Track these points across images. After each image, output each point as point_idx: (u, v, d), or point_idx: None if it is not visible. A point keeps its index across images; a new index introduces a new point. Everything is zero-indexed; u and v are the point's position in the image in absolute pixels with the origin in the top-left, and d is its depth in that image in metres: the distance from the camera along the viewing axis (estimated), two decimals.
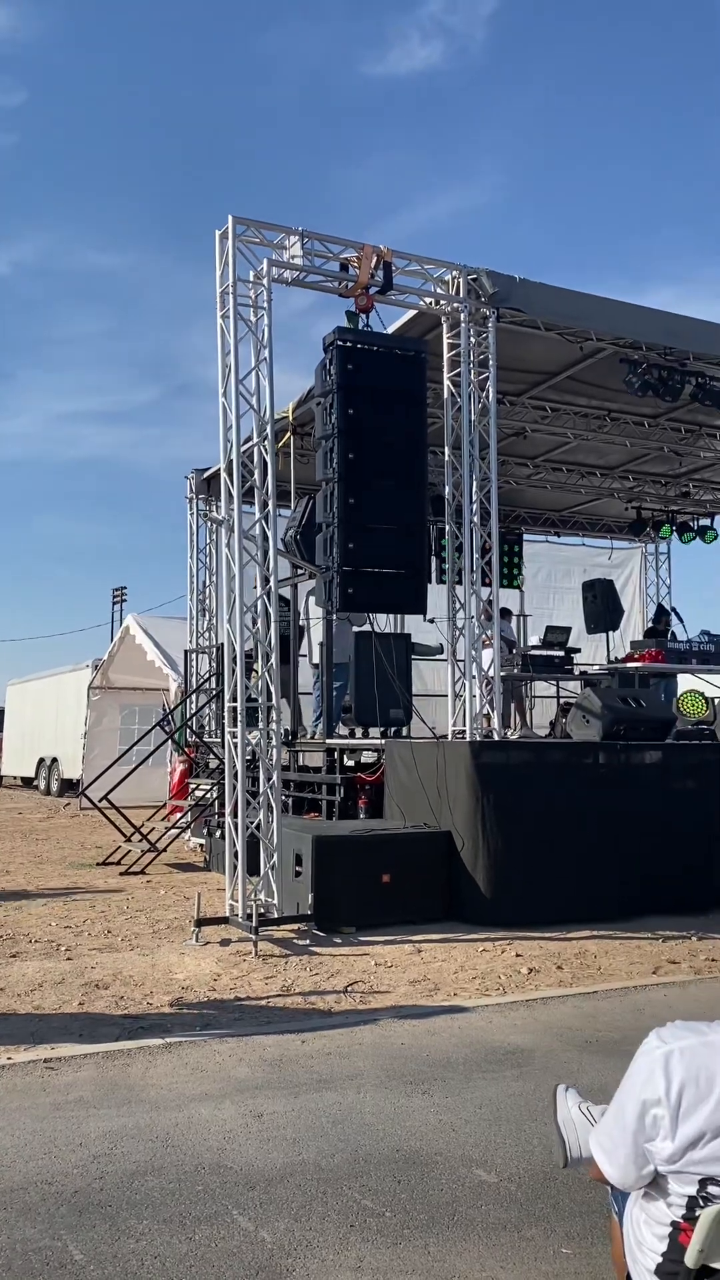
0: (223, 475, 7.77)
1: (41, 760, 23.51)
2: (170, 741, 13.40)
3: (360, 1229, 3.05)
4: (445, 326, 8.57)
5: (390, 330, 8.53)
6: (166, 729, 13.24)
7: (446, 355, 8.57)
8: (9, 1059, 4.55)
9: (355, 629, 10.43)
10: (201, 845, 11.85)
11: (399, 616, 13.26)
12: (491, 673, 8.47)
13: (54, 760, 22.76)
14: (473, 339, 8.38)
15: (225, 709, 7.85)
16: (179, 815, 12.05)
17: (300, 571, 11.32)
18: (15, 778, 26.24)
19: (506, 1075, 4.44)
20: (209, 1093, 4.18)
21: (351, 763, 10.18)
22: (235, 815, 7.37)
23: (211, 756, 12.19)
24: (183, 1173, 3.42)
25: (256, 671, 7.76)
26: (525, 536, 15.24)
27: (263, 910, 7.04)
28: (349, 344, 7.61)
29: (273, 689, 7.60)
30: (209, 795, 11.62)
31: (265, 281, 7.56)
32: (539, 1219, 3.13)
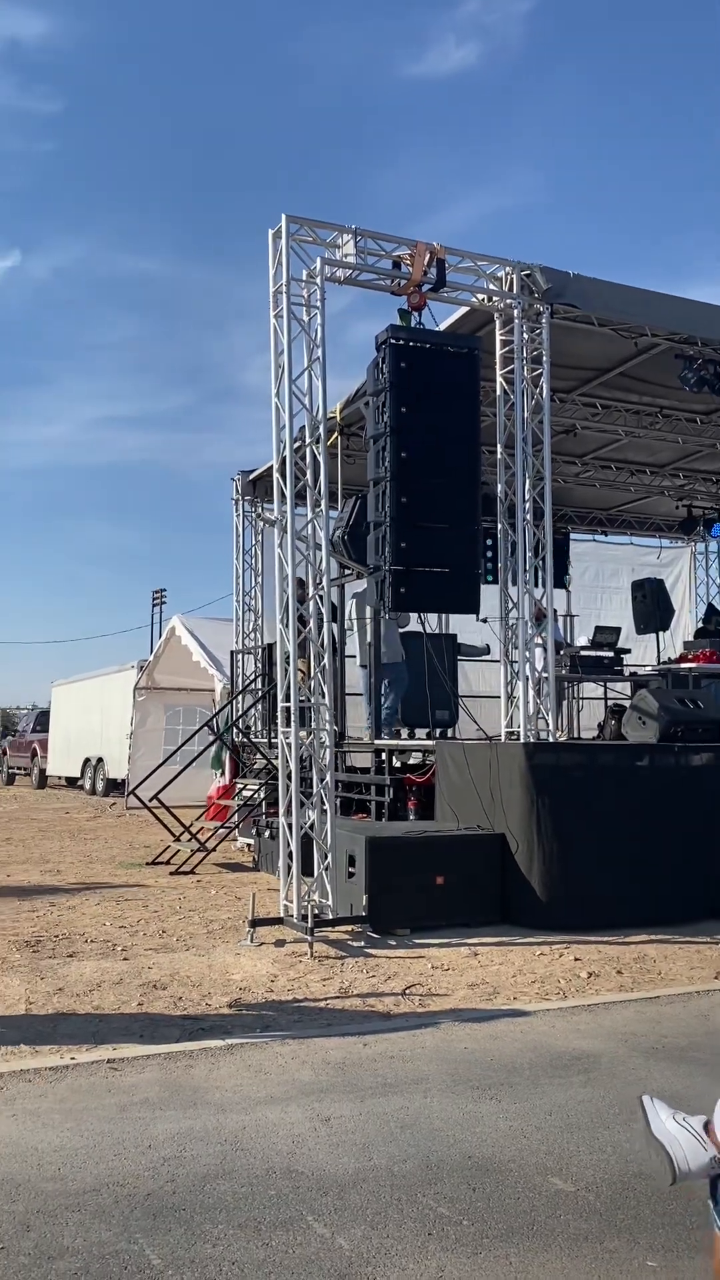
0: (275, 475, 7.75)
1: (87, 760, 23.68)
2: (219, 744, 13.41)
3: (439, 1237, 3.00)
4: (498, 323, 8.49)
5: (442, 327, 8.47)
6: (213, 730, 13.26)
7: (499, 352, 8.49)
8: (73, 1059, 4.55)
9: (401, 630, 10.37)
10: (250, 845, 11.86)
11: (444, 617, 13.21)
12: (545, 673, 8.38)
13: (99, 760, 22.92)
14: (526, 335, 8.30)
15: (278, 709, 7.82)
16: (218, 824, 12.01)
17: (348, 572, 11.29)
18: (60, 778, 26.46)
19: (574, 1081, 4.36)
20: (274, 1096, 4.15)
21: (399, 764, 10.14)
22: (289, 815, 7.35)
23: (258, 757, 12.19)
24: (254, 1177, 3.39)
25: (303, 672, 7.73)
26: (572, 535, 15.10)
27: (317, 911, 7.00)
28: (402, 342, 7.56)
29: (325, 689, 7.57)
30: (256, 795, 11.62)
31: (319, 280, 7.52)
32: (621, 1230, 3.05)
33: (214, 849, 11.10)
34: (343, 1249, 2.92)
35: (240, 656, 13.98)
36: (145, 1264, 2.82)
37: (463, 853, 7.60)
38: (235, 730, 12.95)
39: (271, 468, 8.08)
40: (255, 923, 7.01)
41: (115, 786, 21.61)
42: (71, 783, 25.61)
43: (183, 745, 13.89)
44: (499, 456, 8.47)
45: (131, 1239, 2.95)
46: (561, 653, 11.78)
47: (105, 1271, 2.77)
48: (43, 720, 27.93)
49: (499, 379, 8.52)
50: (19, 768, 29.51)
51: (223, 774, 13.63)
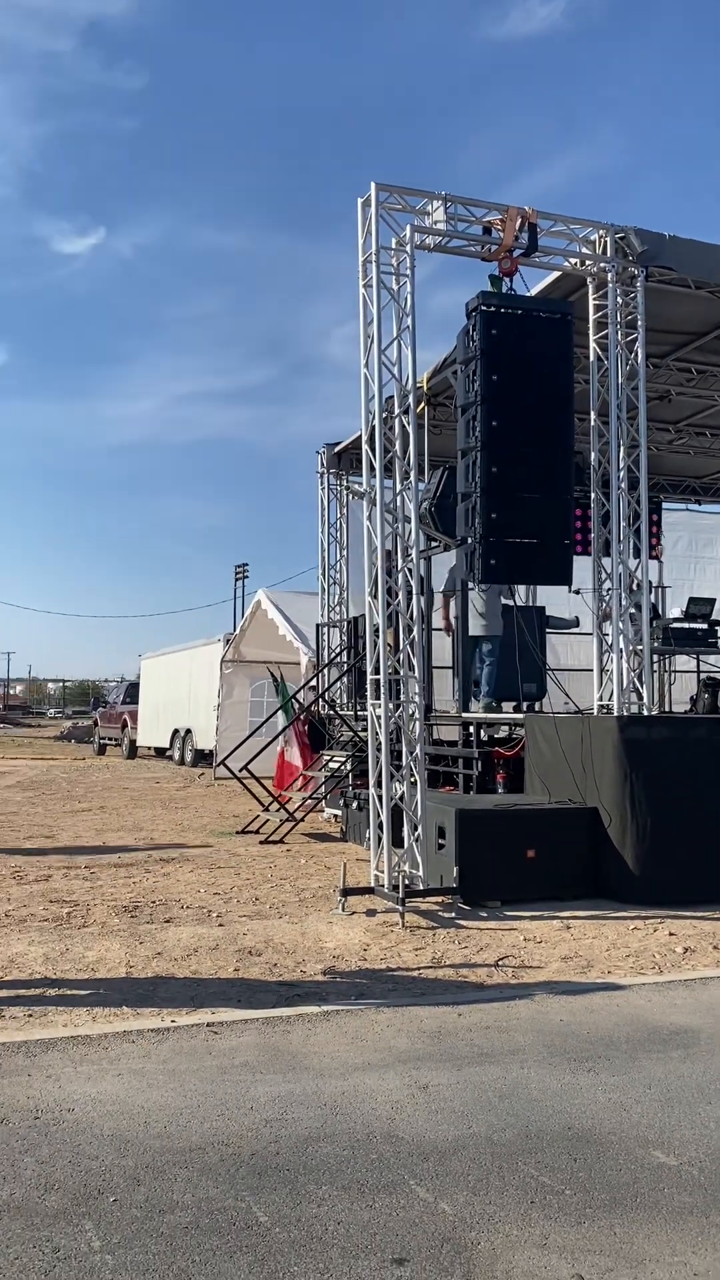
0: (364, 446, 7.73)
1: (176, 731, 24.11)
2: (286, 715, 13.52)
3: (541, 1206, 3.00)
4: (591, 287, 8.31)
5: (533, 293, 8.32)
6: (300, 702, 13.37)
7: (592, 317, 8.31)
8: (173, 1021, 4.66)
9: (505, 601, 10.27)
10: (337, 816, 11.95)
11: (532, 589, 13.06)
12: (638, 645, 8.23)
13: (187, 731, 23.32)
14: (620, 299, 8.11)
15: (366, 682, 7.84)
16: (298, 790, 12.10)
17: (435, 544, 11.23)
18: (150, 748, 26.99)
19: (673, 1056, 4.31)
20: (371, 1062, 4.19)
21: (487, 737, 10.09)
22: (379, 787, 7.37)
23: (344, 729, 12.25)
24: (354, 1140, 3.42)
25: (392, 644, 7.72)
26: (664, 505, 14.77)
27: (407, 882, 7.03)
28: (493, 308, 7.45)
29: (414, 662, 7.56)
30: (343, 767, 11.69)
31: (408, 248, 7.45)
32: None
33: (302, 819, 11.22)
34: (445, 1213, 2.94)
35: (325, 630, 14.04)
36: (253, 1221, 2.87)
37: (554, 826, 7.54)
38: (321, 703, 13.03)
39: (357, 440, 8.07)
40: (346, 892, 7.07)
41: (203, 757, 21.98)
42: (160, 753, 26.11)
43: (269, 717, 14.02)
44: (592, 424, 8.32)
45: (239, 1196, 3.02)
46: (654, 624, 11.56)
47: (215, 1226, 2.84)
48: (132, 692, 28.50)
49: (592, 344, 8.35)
50: (110, 738, 30.19)
51: (288, 742, 13.68)
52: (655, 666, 12.53)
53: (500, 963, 5.79)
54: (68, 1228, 2.81)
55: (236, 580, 52.32)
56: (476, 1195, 3.06)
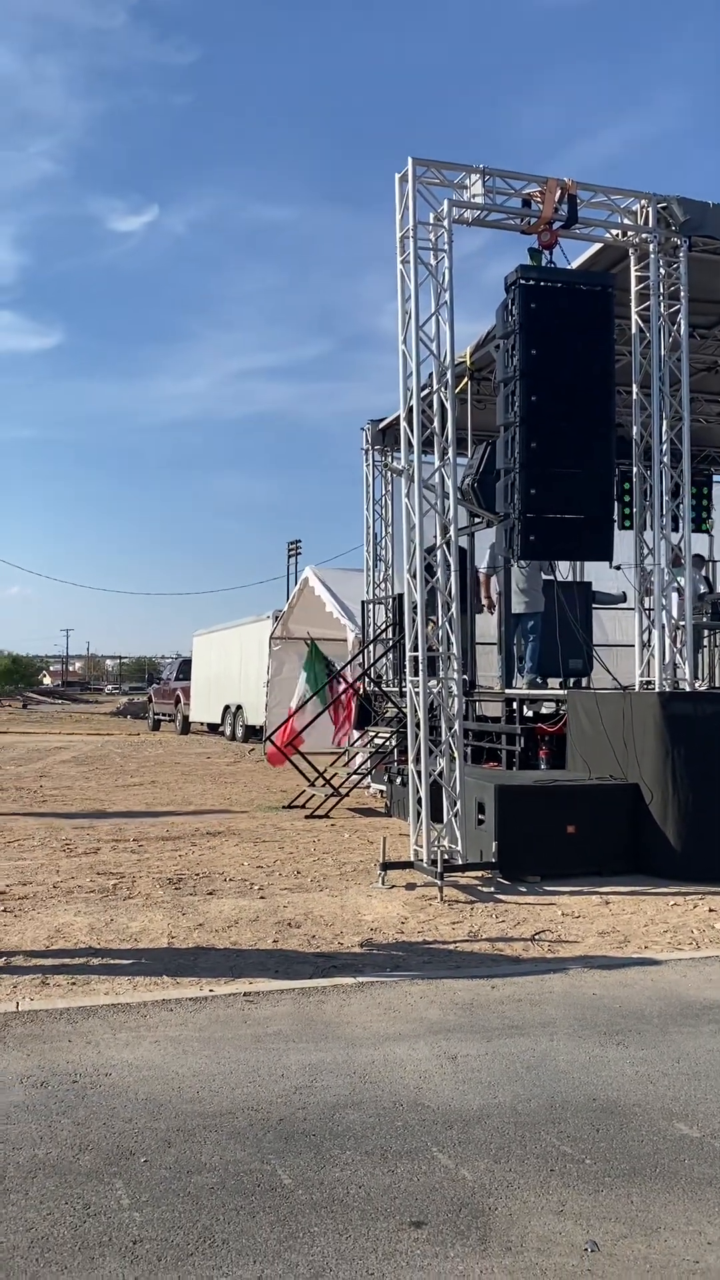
0: (402, 423, 7.73)
1: (227, 707, 24.37)
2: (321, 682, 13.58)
3: (560, 1174, 3.05)
4: (633, 258, 8.18)
5: (574, 265, 8.23)
6: (343, 678, 13.43)
7: (634, 288, 8.19)
8: (211, 991, 4.77)
9: (545, 577, 10.23)
10: (382, 791, 12.04)
11: (578, 564, 12.97)
12: (682, 621, 8.16)
13: (238, 707, 23.56)
14: (662, 270, 7.99)
15: (406, 658, 7.88)
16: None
17: (478, 520, 11.19)
18: (202, 723, 27.32)
19: (704, 1031, 4.33)
20: (403, 1033, 4.26)
21: (530, 713, 10.08)
22: (418, 763, 7.43)
23: (389, 705, 12.32)
24: (381, 1108, 3.50)
25: (435, 621, 7.75)
26: (715, 477, 14.53)
27: (446, 857, 7.08)
28: (531, 282, 7.39)
29: (453, 638, 7.57)
30: (388, 743, 11.77)
31: (446, 223, 7.41)
32: None
33: (347, 794, 11.32)
34: (465, 1179, 3.01)
35: (371, 606, 14.09)
36: (277, 1183, 2.97)
37: (595, 802, 7.54)
38: (366, 679, 13.10)
39: (399, 416, 8.05)
40: (386, 866, 7.15)
41: (253, 732, 22.20)
42: (213, 729, 26.43)
43: (315, 694, 14.12)
44: (634, 397, 8.22)
45: (264, 1159, 3.11)
46: (701, 600, 11.44)
47: (240, 1187, 2.93)
48: (185, 669, 28.85)
49: (634, 316, 8.23)
50: (164, 714, 30.60)
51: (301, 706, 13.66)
52: (705, 642, 12.40)
53: (537, 937, 5.83)
54: (99, 1186, 2.93)
55: (289, 557, 52.54)
56: (497, 1163, 3.12)
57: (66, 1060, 3.89)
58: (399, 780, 10.90)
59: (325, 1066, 3.87)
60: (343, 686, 13.31)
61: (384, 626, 13.27)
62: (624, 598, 11.53)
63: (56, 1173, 3.00)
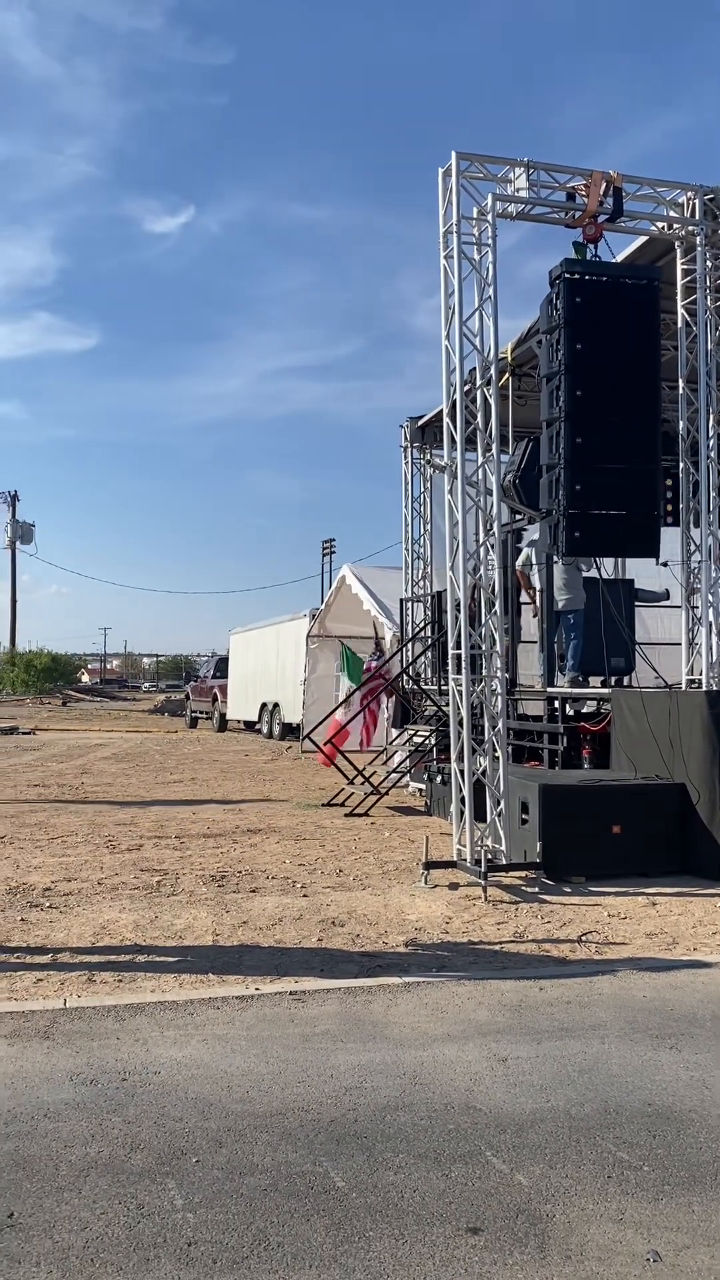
0: (445, 419, 7.67)
1: (264, 705, 24.42)
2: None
3: (618, 1181, 2.99)
4: (679, 251, 8.08)
5: (619, 259, 8.13)
6: (383, 677, 13.41)
7: (681, 281, 8.09)
8: (257, 989, 4.75)
9: (585, 574, 10.13)
10: (421, 790, 11.99)
11: (620, 561, 12.85)
12: None
13: (275, 705, 23.60)
14: (710, 262, 7.88)
15: (449, 656, 7.83)
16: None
17: (519, 517, 11.11)
18: (239, 721, 27.40)
19: None
20: (451, 1034, 4.22)
21: (572, 712, 9.98)
22: (461, 762, 7.37)
23: (428, 703, 12.26)
24: (432, 1110, 3.46)
25: (478, 618, 7.69)
26: None
27: (490, 856, 7.03)
28: (576, 276, 7.31)
29: (496, 636, 7.51)
30: (427, 741, 11.72)
31: (490, 217, 7.34)
32: None
33: (386, 793, 11.28)
34: (522, 1185, 2.96)
35: (410, 604, 14.04)
36: (330, 1185, 2.93)
37: (641, 802, 7.45)
38: (405, 677, 13.05)
39: (440, 413, 8.01)
40: (429, 865, 7.10)
41: (290, 730, 22.23)
42: (249, 726, 26.49)
43: (354, 692, 14.11)
44: (680, 392, 8.11)
45: (316, 1161, 3.08)
46: None
47: (293, 1189, 2.90)
48: (222, 667, 28.94)
49: (680, 310, 8.13)
50: (201, 712, 30.73)
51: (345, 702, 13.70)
52: None
53: (583, 938, 5.76)
54: (152, 1186, 2.91)
55: (323, 556, 52.66)
56: (553, 1168, 3.07)
57: (115, 1058, 3.89)
58: (439, 779, 10.85)
59: (374, 1067, 3.83)
60: (367, 689, 13.28)
61: (423, 624, 13.22)
62: (666, 595, 11.41)
63: (109, 1171, 2.99)
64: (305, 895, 6.72)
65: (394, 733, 13.45)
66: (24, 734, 25.34)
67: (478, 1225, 2.73)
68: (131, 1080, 3.67)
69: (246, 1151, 3.14)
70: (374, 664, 14.44)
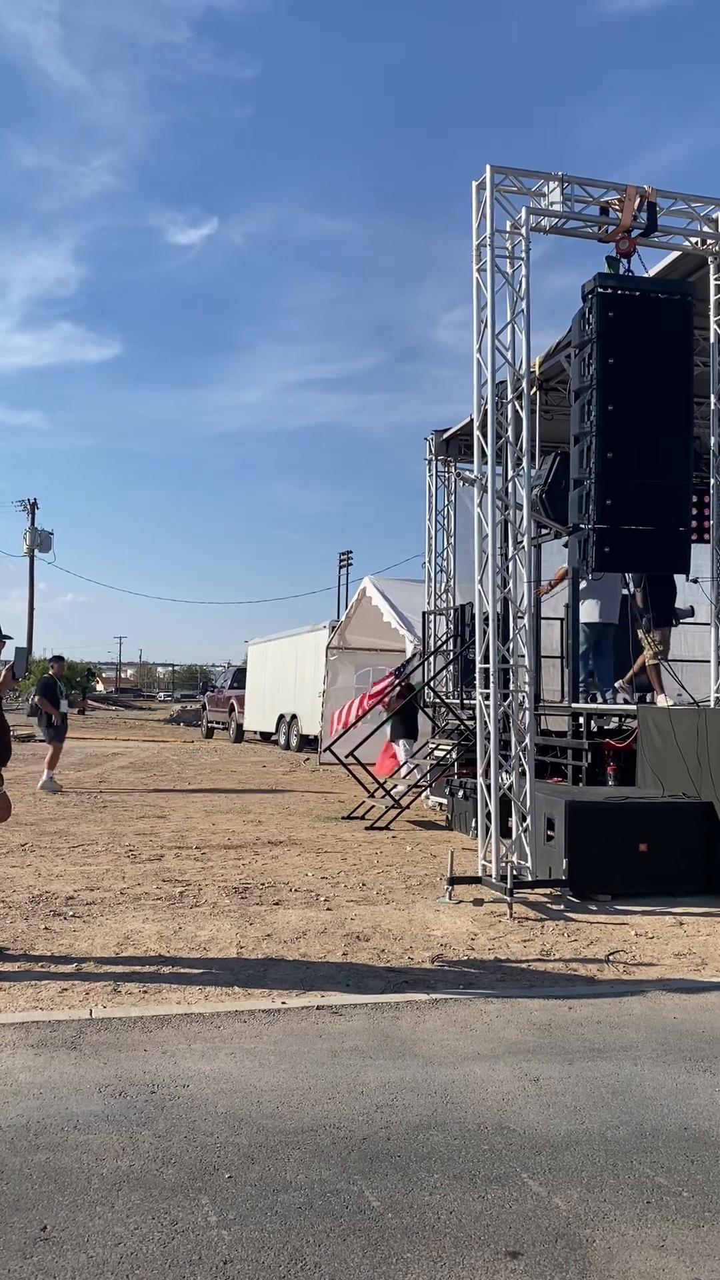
0: (475, 432, 7.65)
1: (281, 717, 24.39)
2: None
3: (658, 1206, 2.94)
4: (712, 267, 8.05)
5: (652, 274, 8.11)
6: (413, 686, 13.36)
7: (713, 297, 8.05)
8: (284, 1003, 4.71)
9: (625, 591, 10.08)
10: (442, 804, 11.92)
11: (646, 578, 12.75)
12: None
13: (293, 717, 23.56)
14: None
15: (475, 670, 7.78)
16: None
17: (545, 531, 11.07)
18: (255, 732, 27.37)
19: None
20: (481, 1052, 4.16)
21: (596, 728, 9.91)
22: (487, 777, 7.32)
23: (450, 717, 12.20)
24: (465, 1130, 3.41)
25: (505, 632, 7.64)
26: None
27: (515, 873, 6.97)
28: (610, 290, 7.28)
29: (524, 650, 7.47)
30: (449, 756, 11.66)
31: (524, 231, 7.33)
32: None
33: (407, 807, 11.23)
34: (559, 1209, 2.91)
35: (432, 617, 14.00)
36: (365, 1205, 2.89)
37: (668, 820, 7.38)
38: (428, 690, 13.00)
39: (466, 426, 8.00)
40: (454, 880, 7.05)
41: (308, 742, 22.19)
42: (266, 737, 26.45)
43: (375, 705, 14.07)
44: (712, 407, 8.07)
45: (350, 1180, 3.03)
46: None
47: (328, 1208, 2.86)
48: (239, 677, 28.94)
49: (712, 325, 8.09)
50: (218, 722, 30.72)
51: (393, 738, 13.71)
52: None
53: (611, 957, 5.69)
54: (185, 1201, 2.87)
55: (341, 568, 52.69)
56: (590, 1192, 3.01)
57: (143, 1070, 3.85)
58: (460, 794, 10.78)
59: (405, 1085, 3.79)
60: (369, 692, 13.24)
61: (445, 638, 13.17)
62: (692, 612, 11.32)
63: (141, 1186, 2.96)
64: (329, 909, 6.67)
65: (398, 745, 13.36)
66: (40, 741, 25.36)
67: (517, 1249, 2.68)
68: (160, 1093, 3.64)
69: (279, 1168, 3.09)
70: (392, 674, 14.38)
